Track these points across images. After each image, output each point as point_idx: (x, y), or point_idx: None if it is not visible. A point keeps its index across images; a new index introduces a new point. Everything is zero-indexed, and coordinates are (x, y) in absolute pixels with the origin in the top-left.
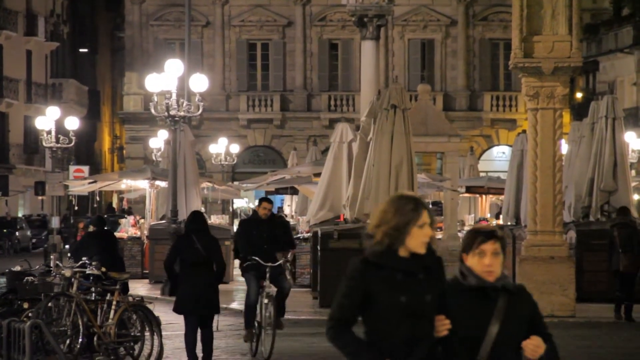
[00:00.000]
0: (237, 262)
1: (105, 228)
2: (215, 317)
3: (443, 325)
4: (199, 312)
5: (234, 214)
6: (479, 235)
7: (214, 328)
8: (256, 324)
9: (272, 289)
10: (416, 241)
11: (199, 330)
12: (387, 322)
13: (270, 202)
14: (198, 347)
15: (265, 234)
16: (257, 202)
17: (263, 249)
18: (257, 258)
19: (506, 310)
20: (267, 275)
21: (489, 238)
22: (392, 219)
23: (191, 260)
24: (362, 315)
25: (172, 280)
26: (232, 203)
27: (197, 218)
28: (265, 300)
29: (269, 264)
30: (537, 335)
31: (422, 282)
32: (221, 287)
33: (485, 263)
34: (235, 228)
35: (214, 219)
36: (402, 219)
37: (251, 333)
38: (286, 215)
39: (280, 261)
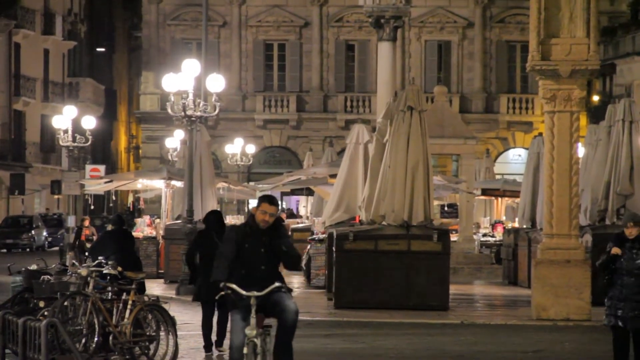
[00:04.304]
0: None
1: (124, 227)
2: None
3: None
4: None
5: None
6: None
7: None
8: None
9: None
10: None
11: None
12: None
13: (274, 203)
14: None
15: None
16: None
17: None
18: (234, 286)
19: None
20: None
21: None
22: None
23: (211, 252)
24: None
25: (192, 270)
26: (248, 203)
27: (217, 218)
28: (255, 341)
29: (254, 293)
30: None
31: None
32: None
33: None
34: None
35: (230, 219)
36: None
37: None
38: (301, 217)
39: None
